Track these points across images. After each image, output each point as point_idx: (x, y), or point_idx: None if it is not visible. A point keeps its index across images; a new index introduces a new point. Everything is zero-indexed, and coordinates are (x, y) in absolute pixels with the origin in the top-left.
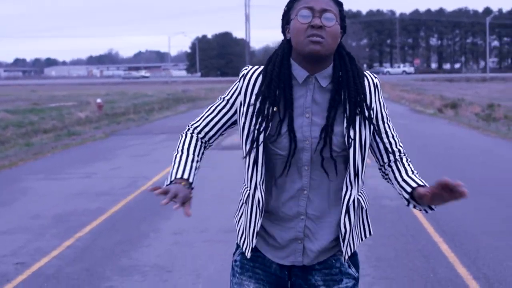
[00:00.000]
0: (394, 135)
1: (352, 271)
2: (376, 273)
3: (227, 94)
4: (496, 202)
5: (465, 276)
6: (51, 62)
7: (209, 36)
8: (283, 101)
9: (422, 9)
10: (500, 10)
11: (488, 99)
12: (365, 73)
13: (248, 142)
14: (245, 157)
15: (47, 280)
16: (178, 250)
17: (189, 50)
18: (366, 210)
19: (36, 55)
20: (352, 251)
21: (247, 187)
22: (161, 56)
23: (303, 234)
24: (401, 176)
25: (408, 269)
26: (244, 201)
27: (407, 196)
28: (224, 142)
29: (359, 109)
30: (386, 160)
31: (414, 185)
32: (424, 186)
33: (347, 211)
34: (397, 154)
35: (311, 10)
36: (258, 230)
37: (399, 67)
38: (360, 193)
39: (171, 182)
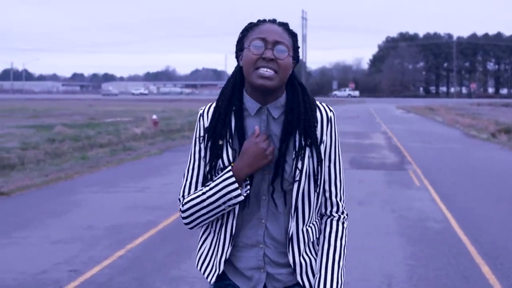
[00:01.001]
0: (338, 180)
1: None
2: None
3: (192, 148)
4: None
5: None
6: (108, 78)
7: None
8: (236, 133)
9: (480, 33)
10: None
11: None
12: (319, 105)
13: (207, 175)
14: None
15: (98, 287)
16: None
17: None
18: (312, 242)
19: (94, 70)
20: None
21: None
22: (217, 74)
23: (263, 263)
24: (321, 263)
25: None
26: (213, 229)
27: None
28: None
29: (309, 141)
30: (323, 210)
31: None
32: None
33: (291, 242)
34: (334, 209)
35: (263, 41)
36: (227, 257)
37: (344, 90)
38: (310, 225)
39: (230, 167)
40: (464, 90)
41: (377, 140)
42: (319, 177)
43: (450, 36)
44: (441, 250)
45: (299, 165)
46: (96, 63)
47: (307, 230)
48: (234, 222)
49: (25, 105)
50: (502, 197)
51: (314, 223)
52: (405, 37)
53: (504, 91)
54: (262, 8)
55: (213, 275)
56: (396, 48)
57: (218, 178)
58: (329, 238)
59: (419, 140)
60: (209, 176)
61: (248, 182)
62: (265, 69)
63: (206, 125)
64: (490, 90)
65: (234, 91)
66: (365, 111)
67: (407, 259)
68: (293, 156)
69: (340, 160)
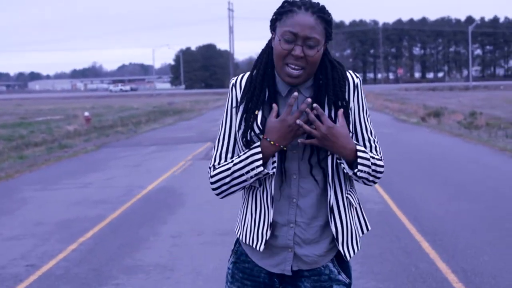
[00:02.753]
0: (372, 140)
1: (342, 277)
2: (362, 269)
3: (224, 117)
4: (475, 204)
5: (444, 270)
6: (34, 76)
7: (193, 48)
8: (269, 105)
9: (405, 18)
10: (482, 19)
11: (471, 107)
12: (347, 73)
13: (242, 143)
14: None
15: (57, 279)
16: (178, 251)
17: (173, 63)
18: (355, 207)
19: (19, 69)
20: (357, 249)
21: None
22: (145, 69)
23: (293, 242)
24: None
25: (392, 264)
26: (250, 196)
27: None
28: None
29: (340, 104)
30: None
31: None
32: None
33: (332, 212)
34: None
35: (294, 36)
36: (271, 220)
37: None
38: (348, 192)
39: (259, 142)
40: (391, 75)
41: None
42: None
43: (375, 22)
44: (382, 229)
45: None
46: (21, 62)
47: (347, 197)
48: (269, 198)
49: None
50: (436, 177)
51: (351, 191)
52: None
53: (430, 75)
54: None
55: (261, 243)
56: None
57: (246, 152)
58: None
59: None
60: (244, 144)
61: (275, 159)
62: (293, 66)
63: (239, 95)
64: (417, 74)
65: (266, 69)
66: None
67: None
68: None
69: (370, 124)
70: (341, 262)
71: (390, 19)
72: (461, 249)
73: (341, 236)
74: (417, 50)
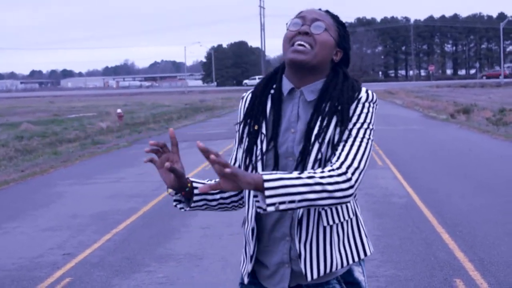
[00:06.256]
0: (350, 146)
1: None
2: (383, 258)
3: (236, 127)
4: (496, 198)
5: (462, 259)
6: (67, 74)
7: (225, 45)
8: (272, 116)
9: (437, 15)
10: None
11: (501, 104)
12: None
13: (243, 161)
14: None
15: (93, 267)
16: (207, 241)
17: (204, 60)
18: (346, 225)
19: (52, 67)
20: (327, 270)
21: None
22: (176, 66)
23: (289, 257)
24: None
25: (411, 254)
26: (242, 225)
27: None
28: None
29: (335, 118)
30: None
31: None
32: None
33: (300, 224)
34: (334, 164)
35: (302, 19)
36: (253, 254)
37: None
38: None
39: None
40: (423, 72)
41: None
42: None
43: (407, 19)
44: (405, 221)
45: (323, 149)
46: (54, 60)
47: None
48: (253, 214)
49: None
50: (460, 173)
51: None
52: (362, 22)
53: (462, 72)
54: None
55: (245, 274)
56: (354, 33)
57: None
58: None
59: (379, 123)
60: (247, 161)
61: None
62: (299, 42)
63: (244, 108)
64: (449, 71)
65: (274, 74)
66: None
67: (374, 230)
68: (317, 130)
69: (365, 133)
70: (352, 283)
71: (422, 16)
72: (480, 240)
73: (303, 252)
74: (448, 47)
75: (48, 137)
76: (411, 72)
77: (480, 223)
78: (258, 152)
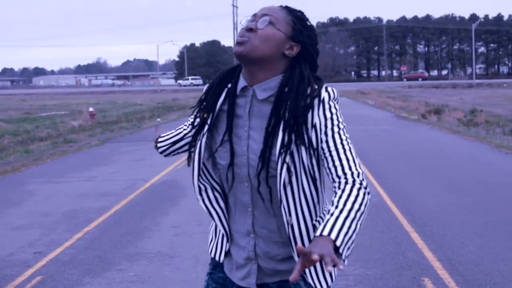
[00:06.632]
0: (342, 153)
1: None
2: (352, 256)
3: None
4: (465, 198)
5: (431, 258)
6: (39, 72)
7: (197, 44)
8: (224, 111)
9: (409, 16)
10: (486, 17)
11: (472, 105)
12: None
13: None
14: (190, 165)
15: (64, 265)
16: (178, 240)
17: (177, 59)
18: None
19: (24, 65)
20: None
21: None
22: (149, 65)
23: (254, 254)
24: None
25: (381, 253)
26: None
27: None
28: None
29: (294, 135)
30: (331, 182)
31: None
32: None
33: (293, 239)
34: (342, 179)
35: (254, 17)
36: (228, 240)
37: (187, 79)
38: (317, 221)
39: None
40: (395, 73)
41: None
42: (314, 171)
43: (380, 19)
44: (375, 221)
45: (287, 159)
46: (26, 58)
47: (313, 225)
48: (220, 208)
49: None
50: (431, 173)
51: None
52: (335, 22)
53: (434, 72)
54: None
55: (221, 254)
56: (327, 33)
57: None
58: (337, 203)
59: (350, 123)
60: (193, 143)
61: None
62: (239, 35)
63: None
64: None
65: (233, 71)
66: None
67: None
68: (279, 149)
69: (343, 134)
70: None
71: (394, 17)
72: (448, 240)
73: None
74: (421, 48)
75: (20, 135)
76: (383, 73)
77: (449, 223)
78: (216, 142)
